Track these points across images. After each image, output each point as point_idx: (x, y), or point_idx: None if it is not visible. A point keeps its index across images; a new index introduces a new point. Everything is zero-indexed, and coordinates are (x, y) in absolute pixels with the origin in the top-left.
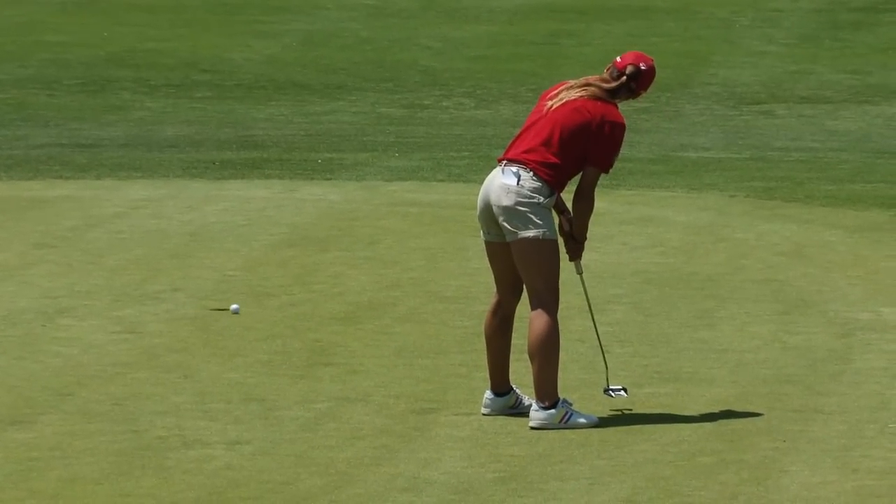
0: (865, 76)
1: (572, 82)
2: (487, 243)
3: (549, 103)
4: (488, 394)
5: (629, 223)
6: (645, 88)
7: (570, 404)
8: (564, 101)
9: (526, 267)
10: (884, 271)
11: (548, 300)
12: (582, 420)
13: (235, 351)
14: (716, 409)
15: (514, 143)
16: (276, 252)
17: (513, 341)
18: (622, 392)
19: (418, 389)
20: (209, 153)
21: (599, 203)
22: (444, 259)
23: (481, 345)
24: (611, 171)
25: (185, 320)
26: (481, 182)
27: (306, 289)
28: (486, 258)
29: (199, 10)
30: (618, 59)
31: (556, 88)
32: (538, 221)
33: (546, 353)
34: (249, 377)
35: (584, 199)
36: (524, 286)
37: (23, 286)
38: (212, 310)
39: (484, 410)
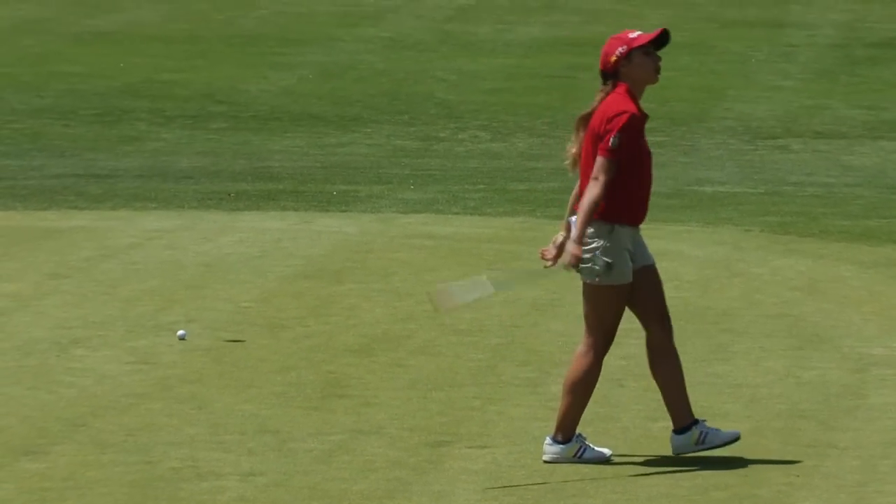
0: (881, 112)
1: None
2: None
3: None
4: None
5: None
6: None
7: (584, 438)
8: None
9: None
10: None
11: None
12: (595, 454)
13: (249, 382)
14: (729, 444)
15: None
16: (290, 284)
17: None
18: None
19: (432, 422)
20: (224, 184)
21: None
22: None
23: (495, 377)
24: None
25: (200, 351)
26: (496, 215)
27: (321, 321)
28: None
29: (215, 42)
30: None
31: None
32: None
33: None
34: (263, 409)
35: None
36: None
37: (37, 316)
38: (226, 341)
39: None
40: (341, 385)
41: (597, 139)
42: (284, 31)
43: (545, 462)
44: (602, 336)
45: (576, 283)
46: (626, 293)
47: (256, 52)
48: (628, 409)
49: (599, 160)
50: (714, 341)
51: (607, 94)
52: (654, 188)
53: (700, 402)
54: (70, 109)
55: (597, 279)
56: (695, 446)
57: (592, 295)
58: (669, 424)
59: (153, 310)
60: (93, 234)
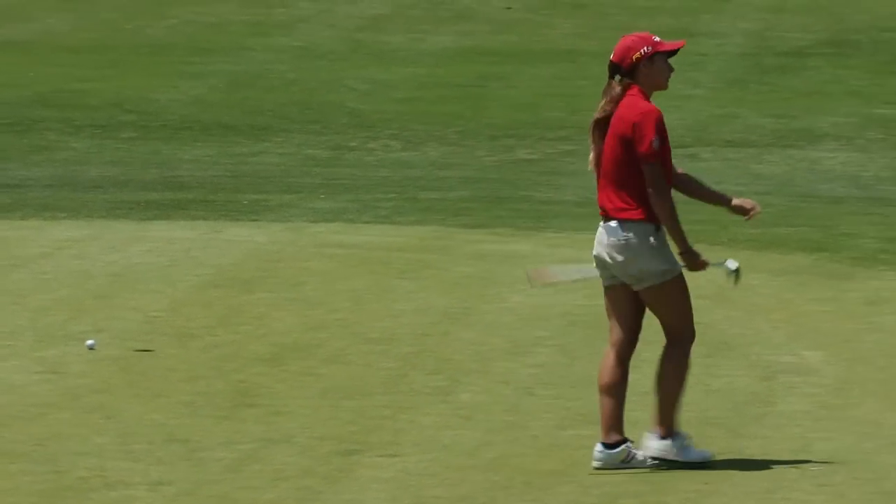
0: (790, 120)
1: None
2: (605, 289)
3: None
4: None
5: (554, 265)
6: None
7: (632, 442)
8: None
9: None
10: (807, 315)
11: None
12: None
13: (158, 392)
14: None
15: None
16: (200, 293)
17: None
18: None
19: (342, 431)
20: (134, 194)
21: (524, 245)
22: (369, 301)
23: (406, 386)
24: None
25: (108, 361)
26: (407, 223)
27: (231, 330)
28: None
29: (125, 51)
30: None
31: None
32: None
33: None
34: (172, 418)
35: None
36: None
37: None
38: (135, 350)
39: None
40: (251, 394)
41: (625, 142)
42: (194, 40)
43: (654, 458)
44: (688, 328)
45: (490, 291)
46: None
47: (166, 62)
48: (538, 418)
49: (648, 168)
50: None
51: (620, 95)
52: (565, 196)
53: None
54: None
55: (656, 281)
56: (620, 464)
57: (662, 296)
58: (581, 432)
59: (62, 319)
60: (2, 243)
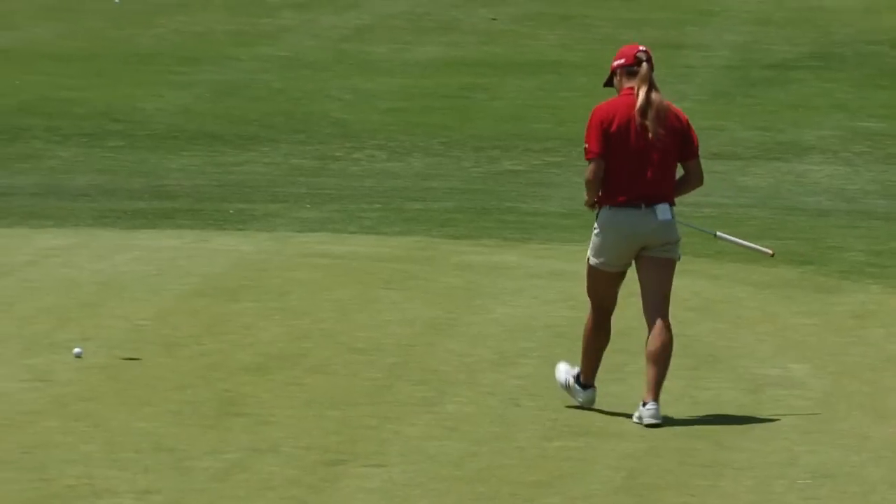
0: (776, 133)
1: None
2: (617, 273)
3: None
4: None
5: (540, 277)
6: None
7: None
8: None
9: (667, 282)
10: (792, 328)
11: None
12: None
13: (145, 400)
14: (625, 464)
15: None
16: (186, 302)
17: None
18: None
19: (328, 441)
20: (121, 202)
21: (510, 256)
22: (354, 311)
23: (391, 397)
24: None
25: (96, 369)
26: (393, 234)
27: (217, 339)
28: (605, 286)
29: (112, 60)
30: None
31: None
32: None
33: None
34: (159, 427)
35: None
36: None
37: None
38: (122, 359)
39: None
40: (237, 403)
41: (682, 137)
42: (181, 49)
43: (650, 426)
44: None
45: (475, 302)
46: None
47: (153, 71)
48: (524, 429)
49: (698, 161)
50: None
51: (657, 91)
52: (549, 208)
53: (596, 422)
54: None
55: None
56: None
57: (672, 270)
58: (567, 443)
59: (49, 328)
60: None
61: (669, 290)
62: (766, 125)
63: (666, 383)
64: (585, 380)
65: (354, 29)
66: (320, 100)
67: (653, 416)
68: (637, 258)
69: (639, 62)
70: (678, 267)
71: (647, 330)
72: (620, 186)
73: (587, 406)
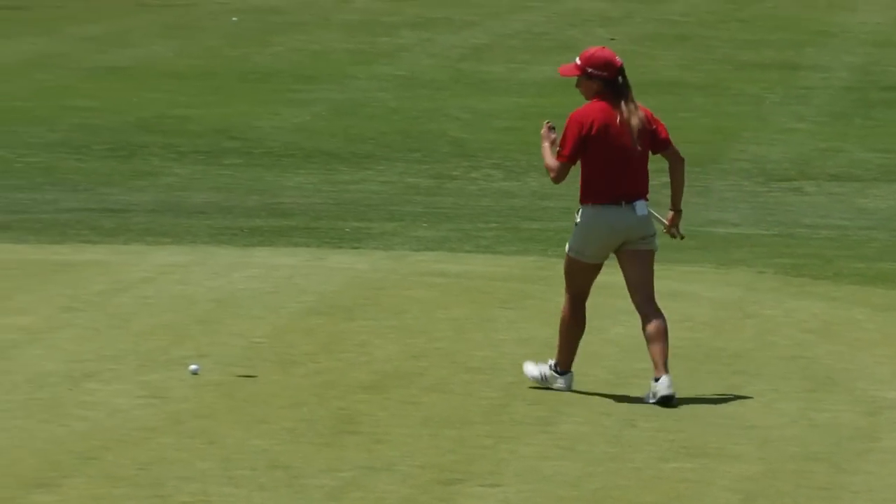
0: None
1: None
2: (594, 266)
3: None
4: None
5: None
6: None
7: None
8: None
9: (650, 272)
10: None
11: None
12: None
13: (261, 418)
14: (742, 486)
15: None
16: (302, 320)
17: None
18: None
19: (444, 460)
20: (237, 220)
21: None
22: (470, 330)
23: (507, 416)
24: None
25: (211, 386)
26: (509, 253)
27: (333, 357)
28: (584, 276)
29: (229, 78)
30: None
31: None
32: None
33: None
34: (275, 444)
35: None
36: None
37: (49, 349)
38: (238, 376)
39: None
40: (353, 421)
41: (651, 134)
42: (298, 67)
43: (666, 397)
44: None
45: (591, 322)
46: None
47: (270, 89)
48: (640, 450)
49: (673, 146)
50: (727, 382)
51: (633, 101)
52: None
53: (712, 443)
54: (83, 144)
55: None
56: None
57: (652, 260)
58: (683, 465)
59: (165, 344)
60: (106, 268)
61: (652, 277)
62: (886, 147)
63: (783, 405)
64: (563, 367)
65: (472, 48)
66: (437, 119)
67: (667, 387)
68: (619, 253)
69: (618, 77)
70: (796, 287)
71: (639, 317)
72: (602, 186)
73: (566, 390)
